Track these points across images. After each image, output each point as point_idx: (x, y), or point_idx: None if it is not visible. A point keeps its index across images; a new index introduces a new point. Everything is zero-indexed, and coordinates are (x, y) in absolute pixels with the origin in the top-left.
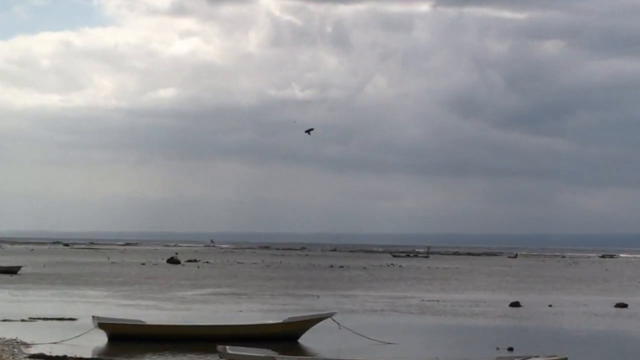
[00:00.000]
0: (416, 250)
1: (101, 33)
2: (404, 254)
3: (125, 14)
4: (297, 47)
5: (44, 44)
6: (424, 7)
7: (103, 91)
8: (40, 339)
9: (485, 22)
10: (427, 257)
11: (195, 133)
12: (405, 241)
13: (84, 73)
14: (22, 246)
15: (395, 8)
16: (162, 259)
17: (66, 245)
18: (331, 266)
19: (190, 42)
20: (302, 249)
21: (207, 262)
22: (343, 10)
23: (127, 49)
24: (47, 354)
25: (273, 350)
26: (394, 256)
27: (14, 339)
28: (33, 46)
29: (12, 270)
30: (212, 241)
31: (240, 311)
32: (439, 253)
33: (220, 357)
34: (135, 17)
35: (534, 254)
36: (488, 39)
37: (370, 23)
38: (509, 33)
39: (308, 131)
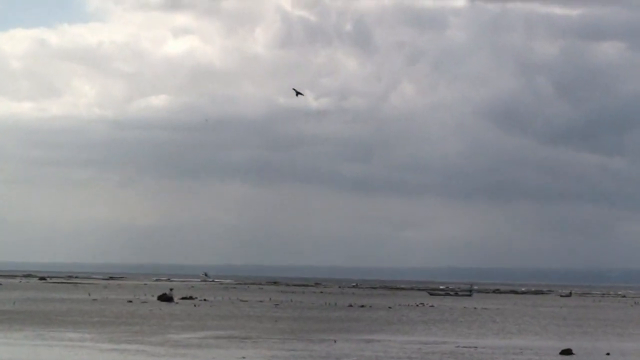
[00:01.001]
0: (456, 287)
1: (82, 30)
2: (443, 292)
3: (110, 8)
4: (311, 47)
5: (14, 43)
6: (460, 1)
7: (84, 98)
8: None
9: (532, 20)
10: (469, 295)
11: (192, 148)
12: (436, 276)
13: (61, 77)
14: None
15: (427, 2)
16: (153, 295)
17: (42, 279)
18: (350, 305)
19: (186, 41)
20: (317, 284)
21: (205, 300)
22: (365, 4)
23: (112, 49)
24: None
25: None
26: (431, 294)
27: None
28: (2, 45)
29: None
30: (206, 274)
31: (244, 358)
32: (478, 291)
33: None
34: (122, 12)
35: (590, 292)
36: (535, 39)
37: (397, 20)
38: (560, 32)
39: (297, 93)
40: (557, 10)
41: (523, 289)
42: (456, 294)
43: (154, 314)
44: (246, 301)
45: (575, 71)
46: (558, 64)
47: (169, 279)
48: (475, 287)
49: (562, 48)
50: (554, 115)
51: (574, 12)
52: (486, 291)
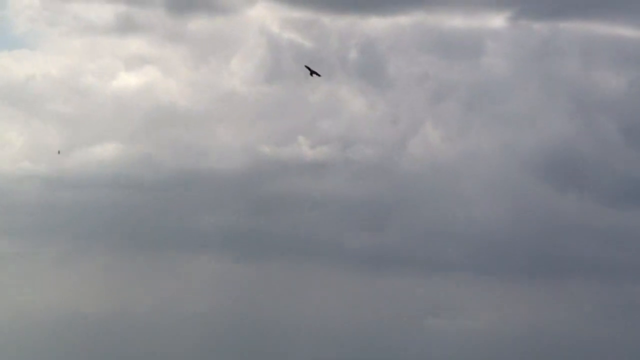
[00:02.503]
0: None
1: (6, 60)
2: None
3: (43, 32)
4: (305, 81)
5: None
6: (498, 21)
7: (9, 149)
8: None
9: (592, 44)
10: None
11: (151, 212)
12: None
13: None
14: None
15: (456, 22)
16: None
17: None
18: None
19: (142, 73)
20: None
21: None
22: (376, 25)
23: (45, 84)
24: None
25: None
26: None
27: None
28: None
29: None
30: None
31: None
32: None
33: None
34: (59, 37)
35: None
36: (596, 68)
37: (418, 45)
38: (629, 60)
39: (312, 72)
40: (624, 31)
41: None
42: None
43: None
44: None
45: None
46: (626, 101)
47: None
48: None
49: (630, 80)
50: (621, 168)
51: None
52: None
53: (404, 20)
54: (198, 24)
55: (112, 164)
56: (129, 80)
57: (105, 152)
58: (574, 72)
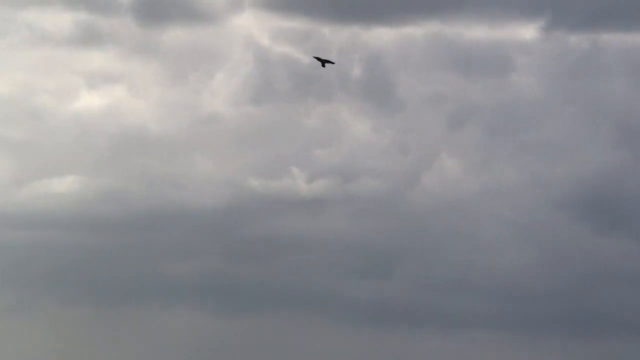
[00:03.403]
0: None
1: None
2: None
3: None
4: (300, 102)
5: None
6: (529, 33)
7: None
8: None
9: None
10: None
11: (117, 257)
12: None
13: None
14: None
15: (478, 33)
16: None
17: None
18: None
19: (107, 93)
20: None
21: None
22: (382, 35)
23: None
24: None
25: None
26: None
27: None
28: None
29: None
30: None
31: None
32: None
33: None
34: (9, 48)
35: None
36: None
37: (432, 60)
38: None
39: (323, 62)
40: None
41: None
42: None
43: None
44: None
45: None
46: None
47: None
48: None
49: None
50: None
51: None
52: None
53: (416, 31)
54: (173, 35)
55: (70, 198)
56: (91, 101)
57: (62, 185)
58: (618, 93)
